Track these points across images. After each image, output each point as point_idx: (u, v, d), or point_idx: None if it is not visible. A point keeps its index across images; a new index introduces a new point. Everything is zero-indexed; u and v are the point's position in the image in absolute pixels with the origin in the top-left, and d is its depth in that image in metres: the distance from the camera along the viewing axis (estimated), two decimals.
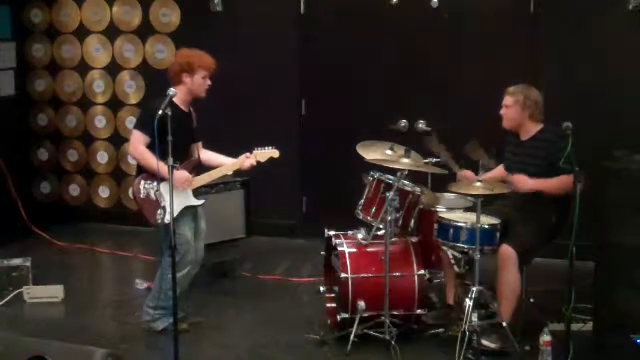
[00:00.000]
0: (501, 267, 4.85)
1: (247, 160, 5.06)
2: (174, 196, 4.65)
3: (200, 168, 5.13)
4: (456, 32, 6.70)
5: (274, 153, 5.13)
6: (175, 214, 4.75)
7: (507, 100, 5.13)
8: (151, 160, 4.81)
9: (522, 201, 5.04)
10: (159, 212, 4.85)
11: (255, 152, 5.09)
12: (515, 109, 5.09)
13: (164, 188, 4.80)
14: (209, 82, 5.04)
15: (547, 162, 4.98)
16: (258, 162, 5.10)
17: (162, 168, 4.65)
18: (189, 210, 5.01)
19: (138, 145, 4.92)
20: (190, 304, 5.30)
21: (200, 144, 5.20)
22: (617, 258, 4.50)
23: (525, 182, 4.94)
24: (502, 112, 5.15)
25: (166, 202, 4.75)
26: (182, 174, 4.91)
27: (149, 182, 4.93)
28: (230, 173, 5.28)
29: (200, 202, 5.09)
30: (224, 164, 5.12)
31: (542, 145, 5.04)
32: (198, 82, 4.99)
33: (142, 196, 4.95)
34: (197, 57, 5.04)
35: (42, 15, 7.80)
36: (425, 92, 6.80)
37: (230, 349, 5.01)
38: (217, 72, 5.10)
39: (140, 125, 4.95)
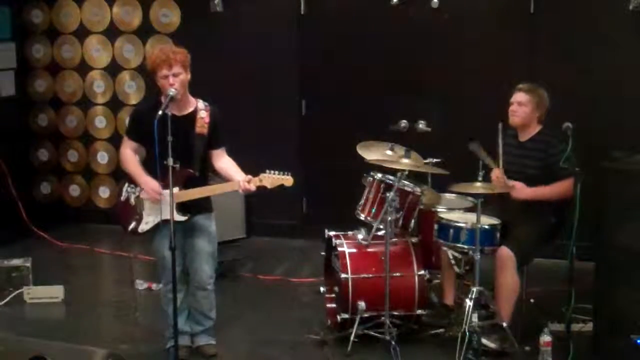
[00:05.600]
0: (500, 269, 4.84)
1: (244, 185, 4.46)
2: (151, 207, 4.54)
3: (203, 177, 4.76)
4: (456, 32, 6.70)
5: (287, 180, 4.47)
6: (150, 226, 4.61)
7: (522, 97, 5.07)
8: (129, 165, 4.66)
9: (520, 202, 5.03)
10: (134, 218, 4.65)
11: (262, 175, 4.46)
12: (529, 107, 5.06)
13: (146, 195, 4.61)
14: (169, 80, 4.41)
15: (544, 163, 4.98)
16: (262, 187, 4.48)
17: (138, 176, 4.58)
18: (168, 225, 4.33)
19: (122, 150, 4.76)
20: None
21: (218, 151, 4.68)
22: (617, 258, 4.50)
23: (522, 191, 4.94)
24: (513, 108, 5.09)
25: (144, 211, 4.62)
26: (150, 184, 4.54)
27: (131, 185, 4.70)
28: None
29: (182, 218, 4.51)
30: (231, 179, 4.59)
31: (540, 146, 5.04)
32: (159, 84, 4.50)
33: (121, 198, 4.74)
34: (148, 61, 4.64)
35: (42, 15, 7.80)
36: (425, 92, 6.80)
37: (230, 349, 5.01)
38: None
39: (126, 130, 4.85)
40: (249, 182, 4.47)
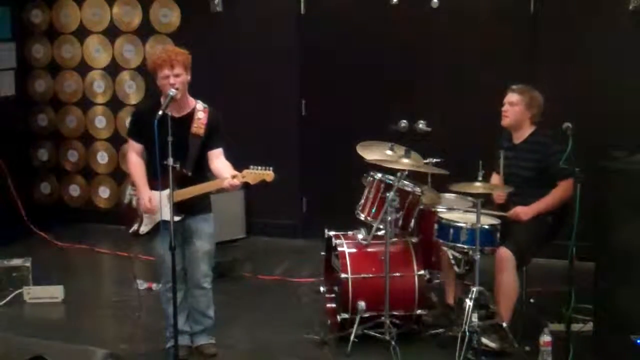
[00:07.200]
0: (499, 269, 4.85)
1: (228, 181, 4.44)
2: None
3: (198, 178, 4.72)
4: (456, 32, 6.70)
5: (267, 175, 4.44)
6: (150, 227, 4.65)
7: (513, 97, 5.09)
8: (133, 173, 4.70)
9: (518, 203, 5.04)
10: (135, 220, 4.70)
11: (245, 171, 4.46)
12: (519, 107, 5.07)
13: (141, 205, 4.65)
14: (170, 80, 4.44)
15: (539, 165, 5.00)
16: (246, 183, 4.50)
17: (139, 186, 4.63)
18: (165, 225, 4.42)
19: (128, 154, 4.79)
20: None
21: (214, 153, 4.65)
22: (617, 258, 4.50)
23: (525, 213, 4.96)
24: (504, 108, 5.12)
25: (144, 213, 4.65)
26: (146, 196, 4.59)
27: (134, 188, 4.73)
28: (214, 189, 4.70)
29: (176, 218, 4.44)
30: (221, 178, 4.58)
31: (534, 148, 5.05)
32: (160, 84, 4.52)
33: (125, 201, 4.82)
34: (149, 62, 4.68)
35: (42, 15, 7.80)
36: (425, 92, 6.80)
37: (230, 348, 5.01)
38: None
39: (127, 132, 4.85)
40: (233, 177, 4.45)
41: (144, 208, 4.62)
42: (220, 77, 7.01)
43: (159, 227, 4.56)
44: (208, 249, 4.77)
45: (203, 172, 4.70)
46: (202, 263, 4.76)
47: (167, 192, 4.41)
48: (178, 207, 4.48)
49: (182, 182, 4.53)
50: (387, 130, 6.60)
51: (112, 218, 7.65)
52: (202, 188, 4.61)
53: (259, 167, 4.47)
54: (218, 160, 4.66)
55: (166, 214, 4.38)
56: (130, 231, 4.73)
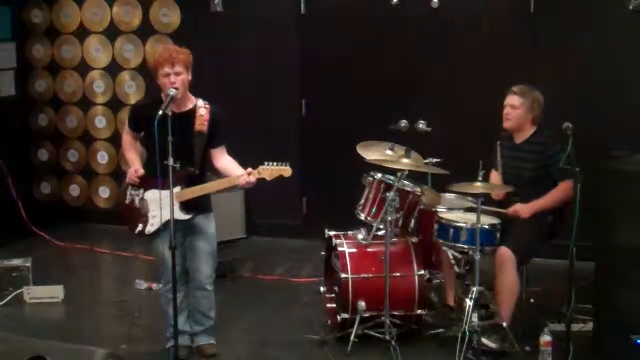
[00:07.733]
0: (499, 269, 4.85)
1: (243, 178, 4.47)
2: (156, 207, 4.51)
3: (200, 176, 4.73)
4: (456, 32, 6.70)
5: (285, 171, 4.44)
6: (156, 227, 4.60)
7: (514, 100, 5.08)
8: (125, 151, 4.82)
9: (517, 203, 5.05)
10: (140, 221, 4.65)
11: (261, 167, 4.44)
12: (521, 110, 5.06)
13: (149, 196, 4.61)
14: (170, 79, 4.45)
15: (540, 165, 5.00)
16: (262, 179, 4.47)
17: (131, 159, 4.71)
18: (167, 224, 4.41)
19: (123, 135, 4.89)
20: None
21: (218, 150, 4.68)
22: (617, 258, 4.50)
23: (524, 211, 4.96)
24: (506, 111, 5.11)
25: (149, 211, 4.62)
26: (133, 167, 4.67)
27: (135, 188, 4.70)
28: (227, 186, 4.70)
29: (186, 217, 4.54)
30: (231, 175, 4.61)
31: (536, 148, 5.05)
32: (160, 83, 4.53)
33: (126, 202, 4.75)
34: (150, 60, 4.72)
35: (42, 15, 7.80)
36: (425, 92, 6.80)
37: (230, 348, 5.01)
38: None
39: (127, 123, 4.88)
40: (249, 174, 4.47)
41: (129, 177, 4.66)
42: (221, 77, 7.01)
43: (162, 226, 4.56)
44: (210, 249, 4.76)
45: (206, 169, 4.73)
46: (205, 264, 4.75)
47: (175, 190, 4.40)
48: (187, 206, 4.52)
49: (190, 180, 4.55)
50: (387, 130, 6.60)
51: (112, 218, 7.64)
52: (214, 186, 4.63)
53: (274, 163, 4.46)
54: (223, 158, 4.69)
55: (177, 213, 4.39)
56: (136, 231, 4.70)
